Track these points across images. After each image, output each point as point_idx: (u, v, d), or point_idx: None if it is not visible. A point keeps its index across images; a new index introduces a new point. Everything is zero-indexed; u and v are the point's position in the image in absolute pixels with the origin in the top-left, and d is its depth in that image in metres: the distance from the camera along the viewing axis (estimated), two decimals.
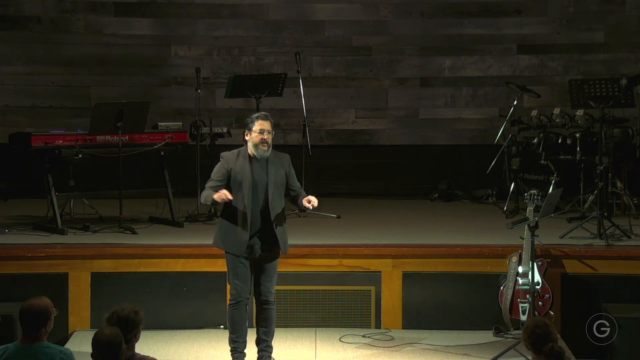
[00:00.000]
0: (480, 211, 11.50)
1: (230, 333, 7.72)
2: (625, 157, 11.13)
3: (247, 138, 7.58)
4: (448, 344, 8.53)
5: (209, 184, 7.56)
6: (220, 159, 7.65)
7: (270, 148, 7.53)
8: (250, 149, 7.55)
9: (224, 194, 7.36)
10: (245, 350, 7.76)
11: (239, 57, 12.78)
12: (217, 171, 7.59)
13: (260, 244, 7.54)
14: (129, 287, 8.91)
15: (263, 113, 7.65)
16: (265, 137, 7.49)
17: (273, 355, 7.80)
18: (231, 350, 7.74)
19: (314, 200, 7.54)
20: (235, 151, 7.62)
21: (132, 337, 5.97)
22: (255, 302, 7.78)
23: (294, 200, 7.73)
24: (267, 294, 7.64)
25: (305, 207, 7.60)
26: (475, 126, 12.81)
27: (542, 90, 12.06)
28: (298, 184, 7.73)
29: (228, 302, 7.71)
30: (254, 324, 7.88)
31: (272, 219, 7.51)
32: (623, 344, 8.38)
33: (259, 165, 7.53)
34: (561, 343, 6.37)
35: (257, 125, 7.50)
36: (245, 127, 7.60)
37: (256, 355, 7.77)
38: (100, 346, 5.74)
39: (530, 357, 6.31)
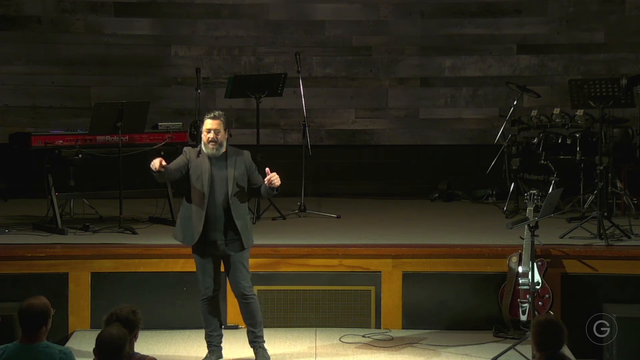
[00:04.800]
0: (480, 211, 11.49)
1: (204, 328, 7.85)
2: (625, 157, 11.13)
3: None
4: (448, 344, 8.53)
5: None
6: (182, 152, 7.72)
7: (222, 146, 7.56)
8: (203, 147, 7.62)
9: (157, 160, 7.38)
10: (222, 344, 7.88)
11: (239, 57, 12.77)
12: (176, 160, 7.65)
13: (222, 238, 7.60)
14: (129, 287, 8.91)
15: (214, 112, 7.64)
16: (212, 136, 7.53)
17: (272, 353, 7.85)
18: (207, 345, 7.86)
19: (273, 178, 7.51)
20: (198, 147, 7.69)
21: (131, 337, 5.98)
22: (236, 298, 7.83)
23: (256, 193, 7.77)
24: (241, 288, 7.67)
25: (271, 186, 7.54)
26: (475, 126, 12.80)
27: (542, 90, 12.05)
28: (260, 178, 7.71)
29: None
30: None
31: (233, 213, 7.55)
32: (623, 344, 8.37)
33: (218, 161, 7.58)
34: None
35: (205, 125, 7.58)
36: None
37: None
38: (104, 346, 5.75)
39: (530, 357, 6.31)
